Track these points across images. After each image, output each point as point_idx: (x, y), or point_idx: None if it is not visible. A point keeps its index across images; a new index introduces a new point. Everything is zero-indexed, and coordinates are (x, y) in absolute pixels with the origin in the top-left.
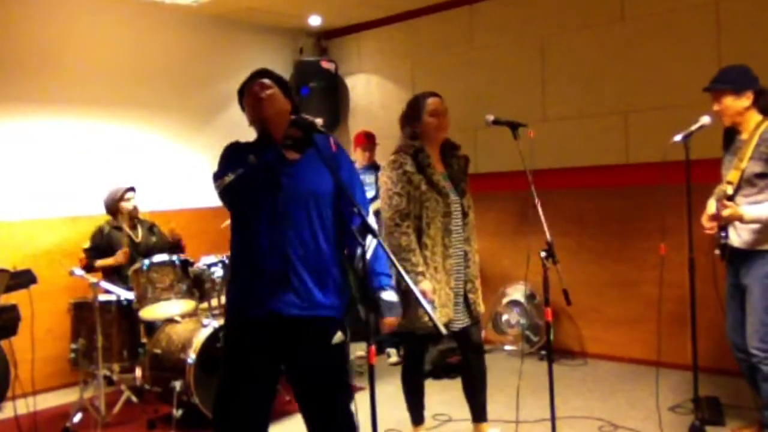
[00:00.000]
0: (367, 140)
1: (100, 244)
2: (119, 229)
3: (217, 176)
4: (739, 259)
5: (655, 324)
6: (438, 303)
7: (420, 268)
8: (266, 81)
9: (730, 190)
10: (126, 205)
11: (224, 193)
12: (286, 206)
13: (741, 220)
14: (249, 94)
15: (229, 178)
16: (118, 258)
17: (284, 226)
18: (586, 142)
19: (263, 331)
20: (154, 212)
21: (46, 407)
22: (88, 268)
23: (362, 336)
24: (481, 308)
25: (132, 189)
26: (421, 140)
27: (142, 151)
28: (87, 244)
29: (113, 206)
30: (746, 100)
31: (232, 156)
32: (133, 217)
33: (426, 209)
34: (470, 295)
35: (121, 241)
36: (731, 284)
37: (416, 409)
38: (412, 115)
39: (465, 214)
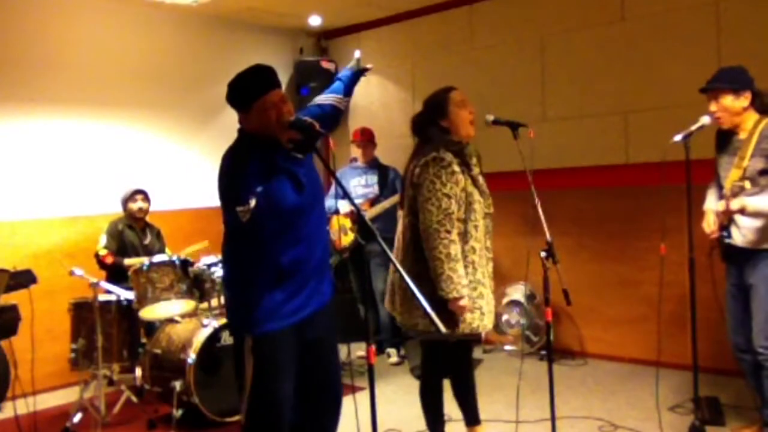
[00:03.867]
0: (362, 136)
1: (117, 241)
2: (132, 228)
3: (239, 202)
4: (742, 258)
5: (655, 324)
6: (486, 310)
7: (464, 281)
8: (285, 95)
9: (748, 185)
10: (133, 206)
11: (255, 217)
12: (311, 204)
13: (743, 211)
14: (275, 106)
15: (253, 201)
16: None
17: (312, 225)
18: (586, 142)
19: (305, 332)
20: (154, 212)
21: (46, 407)
22: (114, 266)
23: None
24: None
25: (141, 192)
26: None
27: (142, 151)
28: (104, 241)
29: (123, 206)
30: (745, 100)
31: (248, 174)
32: (141, 220)
33: (473, 211)
34: None
35: (134, 241)
36: (733, 284)
37: (435, 428)
38: (435, 112)
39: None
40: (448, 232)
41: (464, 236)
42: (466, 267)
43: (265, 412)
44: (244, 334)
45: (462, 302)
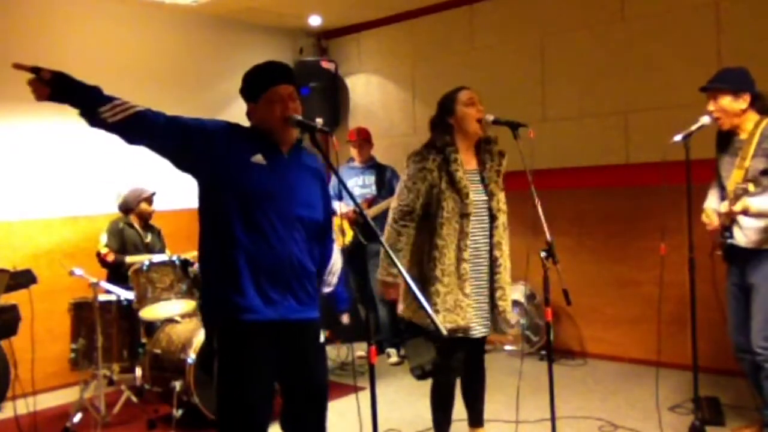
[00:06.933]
0: (357, 135)
1: (118, 239)
2: (132, 227)
3: (198, 121)
4: (744, 258)
5: (655, 324)
6: (442, 308)
7: (394, 270)
8: (294, 92)
9: (752, 188)
10: (147, 207)
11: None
12: (291, 208)
13: (747, 212)
14: (281, 101)
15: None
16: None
17: (289, 227)
18: (586, 142)
19: (271, 336)
20: (154, 212)
21: (46, 407)
22: (115, 264)
23: (362, 336)
24: (511, 316)
25: (154, 194)
26: (456, 136)
27: (142, 150)
28: (105, 239)
29: (133, 203)
30: (743, 103)
31: (234, 140)
32: (146, 220)
33: (442, 209)
34: (500, 303)
35: (135, 239)
36: (734, 284)
37: (442, 428)
38: (443, 110)
39: (494, 217)
40: (395, 221)
41: (431, 232)
42: (428, 262)
43: (233, 410)
44: (214, 326)
45: (384, 284)
